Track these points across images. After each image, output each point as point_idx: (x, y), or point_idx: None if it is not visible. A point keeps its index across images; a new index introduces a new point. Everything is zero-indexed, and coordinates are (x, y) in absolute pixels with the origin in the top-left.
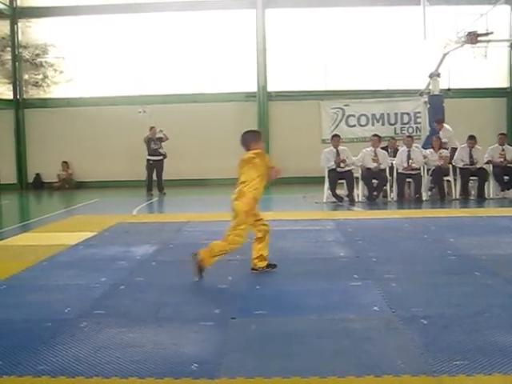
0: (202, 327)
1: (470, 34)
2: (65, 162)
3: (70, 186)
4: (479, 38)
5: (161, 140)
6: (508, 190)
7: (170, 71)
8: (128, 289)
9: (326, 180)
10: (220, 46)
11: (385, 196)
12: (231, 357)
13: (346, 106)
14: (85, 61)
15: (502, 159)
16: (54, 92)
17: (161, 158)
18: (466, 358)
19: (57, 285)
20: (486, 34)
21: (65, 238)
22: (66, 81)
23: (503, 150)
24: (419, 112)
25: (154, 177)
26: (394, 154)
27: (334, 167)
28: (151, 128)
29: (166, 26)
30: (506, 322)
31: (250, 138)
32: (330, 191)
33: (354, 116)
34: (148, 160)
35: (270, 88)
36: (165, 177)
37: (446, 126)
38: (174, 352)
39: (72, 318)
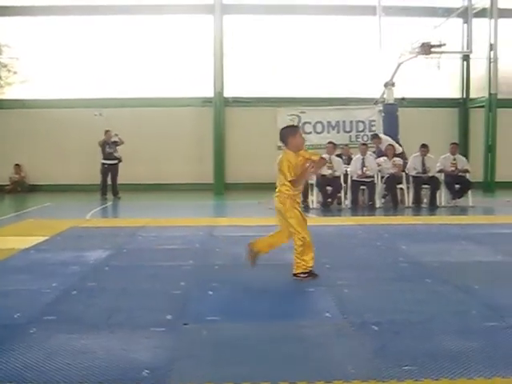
0: (153, 333)
1: (423, 44)
2: (17, 165)
3: (22, 189)
4: (432, 49)
5: (116, 144)
6: (459, 198)
7: (127, 75)
8: (80, 294)
9: None
10: (177, 50)
11: (339, 203)
12: (183, 363)
13: (302, 113)
14: (40, 62)
15: (453, 168)
16: (7, 93)
17: (116, 161)
18: (415, 364)
19: (6, 290)
20: (439, 46)
21: (15, 242)
22: (20, 82)
23: (454, 159)
24: (374, 120)
25: (109, 181)
26: (348, 161)
27: None
28: (106, 132)
29: (124, 29)
30: (455, 328)
31: (287, 134)
32: None
33: (310, 123)
34: (103, 164)
35: (227, 94)
36: (120, 181)
37: (382, 136)
38: (125, 358)
39: (22, 323)
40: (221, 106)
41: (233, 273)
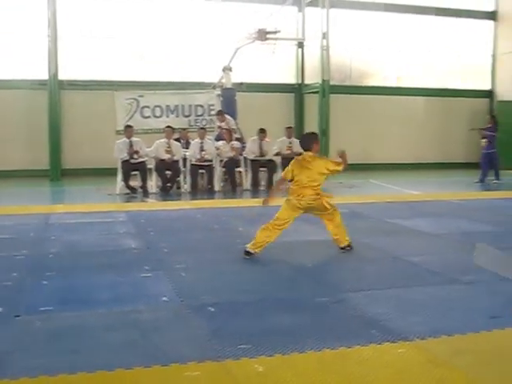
0: None
1: (259, 31)
2: None
3: None
4: (268, 36)
5: None
6: None
7: None
8: None
9: (120, 171)
10: (8, 30)
11: (178, 187)
12: (14, 357)
13: (140, 96)
14: None
15: (289, 151)
16: None
17: None
18: (250, 342)
19: None
20: (275, 32)
21: None
22: None
23: (290, 142)
24: (213, 104)
25: None
26: (187, 145)
27: (127, 158)
28: None
29: None
30: (288, 305)
31: (311, 140)
32: (123, 182)
33: (148, 107)
34: None
35: (62, 76)
36: None
37: (227, 116)
38: None
39: None
40: (56, 89)
41: (69, 261)
